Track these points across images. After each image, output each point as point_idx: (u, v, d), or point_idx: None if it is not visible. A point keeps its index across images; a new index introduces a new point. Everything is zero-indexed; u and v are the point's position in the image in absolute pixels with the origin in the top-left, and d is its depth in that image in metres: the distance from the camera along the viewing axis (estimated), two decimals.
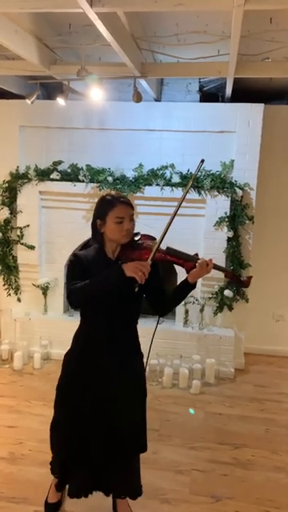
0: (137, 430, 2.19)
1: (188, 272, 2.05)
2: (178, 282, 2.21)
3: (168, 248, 2.06)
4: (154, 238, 2.12)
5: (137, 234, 2.11)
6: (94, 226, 2.08)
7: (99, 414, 2.11)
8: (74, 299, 2.01)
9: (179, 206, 1.97)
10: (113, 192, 2.12)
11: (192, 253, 2.10)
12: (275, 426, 3.38)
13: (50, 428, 2.33)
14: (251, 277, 2.18)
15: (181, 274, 3.88)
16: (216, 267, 2.08)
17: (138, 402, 2.20)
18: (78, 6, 1.98)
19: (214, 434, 3.24)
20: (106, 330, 2.08)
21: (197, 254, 2.09)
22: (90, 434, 2.12)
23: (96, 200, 2.13)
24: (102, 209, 2.04)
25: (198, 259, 2.04)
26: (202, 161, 2.03)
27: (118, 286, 1.94)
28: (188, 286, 2.09)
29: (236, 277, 2.22)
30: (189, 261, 2.05)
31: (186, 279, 2.07)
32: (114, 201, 2.02)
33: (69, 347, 2.22)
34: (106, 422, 2.11)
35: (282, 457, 3.01)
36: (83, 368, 2.14)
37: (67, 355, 2.23)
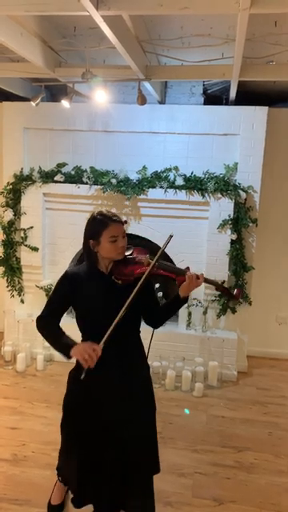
0: (148, 450, 2.15)
1: (179, 286, 2.06)
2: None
3: (160, 262, 2.07)
4: (146, 252, 2.13)
5: (129, 247, 2.12)
6: (86, 246, 2.07)
7: (109, 435, 2.05)
8: (38, 330, 2.10)
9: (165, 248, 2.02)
10: (103, 211, 2.08)
11: (189, 261, 2.11)
12: (278, 430, 3.37)
13: (60, 451, 2.30)
14: (240, 289, 2.19)
15: None
16: (207, 281, 2.10)
17: (147, 419, 2.15)
18: (83, 9, 1.98)
19: (216, 437, 3.24)
20: (108, 345, 2.00)
21: (188, 268, 2.10)
22: (101, 458, 2.06)
23: (100, 202, 2.14)
24: (95, 229, 2.03)
25: (188, 273, 2.05)
26: (171, 236, 2.03)
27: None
28: (180, 301, 2.09)
29: (227, 290, 2.23)
30: (180, 275, 2.07)
31: (178, 294, 2.08)
32: (107, 220, 2.01)
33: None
34: (116, 444, 2.05)
35: (285, 460, 3.00)
36: (88, 387, 2.07)
37: (71, 373, 2.19)
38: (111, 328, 1.92)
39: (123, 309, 1.92)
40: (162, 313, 2.19)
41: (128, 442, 2.06)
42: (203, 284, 2.12)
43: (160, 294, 4.27)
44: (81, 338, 2.14)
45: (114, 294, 2.01)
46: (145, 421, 2.14)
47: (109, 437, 2.06)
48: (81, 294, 2.05)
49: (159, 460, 2.21)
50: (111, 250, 2.01)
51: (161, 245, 2.03)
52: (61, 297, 2.10)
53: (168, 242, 2.02)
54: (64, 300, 2.10)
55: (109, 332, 1.92)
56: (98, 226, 2.02)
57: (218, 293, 4.02)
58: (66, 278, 2.09)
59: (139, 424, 2.10)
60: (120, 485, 2.09)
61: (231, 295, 2.25)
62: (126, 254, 2.10)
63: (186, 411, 3.55)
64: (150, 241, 4.08)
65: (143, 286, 1.96)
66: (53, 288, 2.14)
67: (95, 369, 2.03)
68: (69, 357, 1.94)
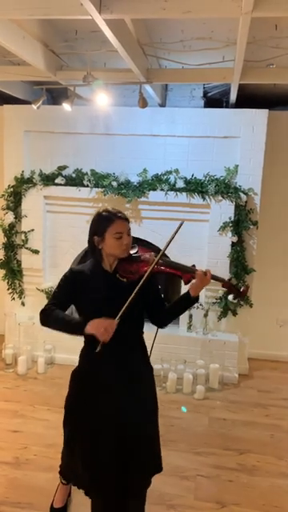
0: (151, 450, 2.14)
1: (186, 283, 2.05)
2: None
3: (166, 260, 2.06)
4: (151, 251, 2.12)
5: (134, 246, 2.12)
6: (91, 242, 2.07)
7: (112, 435, 2.04)
8: (42, 322, 2.05)
9: (175, 234, 1.97)
10: (109, 208, 2.09)
11: (190, 263, 2.10)
12: (280, 432, 3.36)
13: (62, 452, 2.29)
14: (248, 286, 2.19)
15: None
16: (213, 277, 2.08)
17: (150, 419, 2.14)
18: (86, 12, 2.00)
19: (218, 440, 3.23)
20: (110, 345, 1.97)
21: (194, 266, 2.09)
22: (104, 457, 2.05)
23: (101, 205, 2.14)
24: (100, 225, 2.03)
25: (196, 270, 2.03)
26: (181, 223, 1.96)
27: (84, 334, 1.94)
28: (190, 300, 2.08)
29: (234, 287, 2.21)
30: (187, 272, 2.05)
31: (188, 293, 2.06)
32: (112, 217, 2.02)
33: (73, 350, 2.19)
34: (119, 444, 2.04)
35: None
36: (91, 387, 2.07)
37: (74, 373, 2.18)
38: (126, 304, 1.90)
39: (133, 293, 1.91)
40: (169, 312, 2.16)
41: (129, 441, 2.05)
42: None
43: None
44: (83, 338, 2.13)
45: (119, 292, 1.99)
46: (147, 421, 2.13)
47: (111, 437, 2.05)
48: (85, 292, 2.03)
49: (161, 460, 2.20)
50: (116, 246, 2.01)
51: (161, 247, 2.02)
52: (65, 293, 2.08)
53: (178, 230, 1.96)
54: (68, 297, 2.08)
55: (124, 308, 1.90)
56: (103, 222, 2.02)
57: (220, 294, 4.09)
58: (71, 276, 2.08)
59: (141, 424, 2.09)
60: (123, 480, 2.07)
61: (238, 292, 2.21)
62: (131, 252, 2.09)
63: (183, 409, 3.54)
64: (151, 243, 4.08)
65: (147, 281, 1.94)
66: (57, 283, 2.11)
67: (98, 368, 2.04)
68: (83, 333, 1.91)
